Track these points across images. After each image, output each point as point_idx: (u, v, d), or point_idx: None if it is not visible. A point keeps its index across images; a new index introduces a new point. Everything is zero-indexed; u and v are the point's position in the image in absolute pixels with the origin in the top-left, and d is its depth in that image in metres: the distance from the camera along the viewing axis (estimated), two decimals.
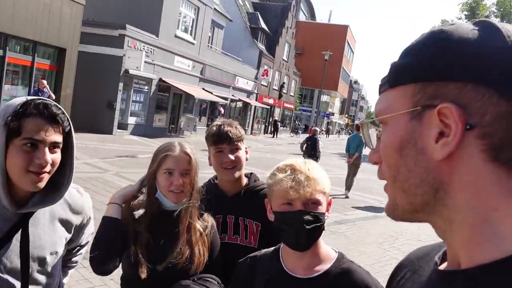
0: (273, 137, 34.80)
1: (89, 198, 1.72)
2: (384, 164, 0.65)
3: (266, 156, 18.55)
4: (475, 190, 0.55)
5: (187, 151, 1.78)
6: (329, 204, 1.40)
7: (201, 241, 1.80)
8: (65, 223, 1.58)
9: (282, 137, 37.36)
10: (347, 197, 11.24)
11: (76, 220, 1.63)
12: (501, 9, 33.04)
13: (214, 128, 1.98)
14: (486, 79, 0.53)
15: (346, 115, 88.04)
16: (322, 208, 1.34)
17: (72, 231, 1.63)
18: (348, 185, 11.50)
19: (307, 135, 16.92)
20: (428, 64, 0.58)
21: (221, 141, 1.93)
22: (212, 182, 2.10)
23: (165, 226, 1.78)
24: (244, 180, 2.07)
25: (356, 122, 13.04)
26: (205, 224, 1.85)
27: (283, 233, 1.36)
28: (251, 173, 2.13)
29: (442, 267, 0.65)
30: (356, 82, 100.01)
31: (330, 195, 1.43)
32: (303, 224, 1.29)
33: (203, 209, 1.85)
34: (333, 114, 68.87)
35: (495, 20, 0.59)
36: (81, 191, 1.68)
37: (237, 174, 1.98)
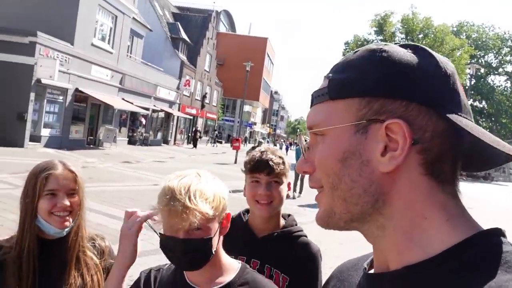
0: (193, 148, 33.96)
1: None
2: (321, 173, 0.65)
3: (189, 167, 18.30)
4: (410, 199, 0.60)
5: (72, 168, 1.60)
6: (226, 219, 1.32)
7: (95, 270, 1.62)
8: None
9: (204, 147, 37.07)
10: (294, 198, 12.87)
11: None
12: (405, 27, 35.96)
13: (255, 154, 1.76)
14: (428, 100, 0.59)
15: (268, 125, 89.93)
16: (208, 232, 1.25)
17: None
18: (298, 189, 13.46)
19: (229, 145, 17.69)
20: (374, 81, 0.60)
21: (258, 170, 1.71)
22: (242, 217, 1.84)
23: (47, 259, 1.56)
24: (281, 221, 1.81)
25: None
26: (100, 249, 1.69)
27: (168, 257, 1.29)
28: (289, 215, 1.88)
29: (371, 272, 0.68)
30: (276, 92, 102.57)
31: None
32: (185, 253, 1.22)
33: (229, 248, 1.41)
34: (255, 123, 69.95)
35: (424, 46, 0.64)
36: None
37: (271, 212, 1.72)
